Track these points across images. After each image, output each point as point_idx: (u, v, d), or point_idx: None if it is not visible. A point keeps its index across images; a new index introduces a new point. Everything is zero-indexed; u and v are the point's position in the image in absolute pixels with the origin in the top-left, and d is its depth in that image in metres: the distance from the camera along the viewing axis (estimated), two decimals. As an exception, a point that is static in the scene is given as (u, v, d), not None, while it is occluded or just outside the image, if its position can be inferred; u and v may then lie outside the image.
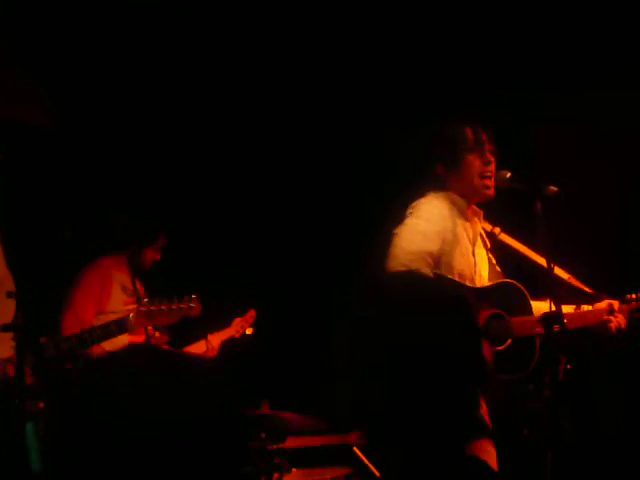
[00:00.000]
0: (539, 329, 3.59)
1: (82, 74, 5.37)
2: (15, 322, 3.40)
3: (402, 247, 3.68)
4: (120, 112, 5.54)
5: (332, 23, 5.31)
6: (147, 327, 4.37)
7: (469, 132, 3.94)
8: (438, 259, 3.76)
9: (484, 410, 3.66)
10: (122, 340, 4.72)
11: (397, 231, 3.76)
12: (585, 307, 4.00)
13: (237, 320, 5.31)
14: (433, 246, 3.74)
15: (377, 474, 5.17)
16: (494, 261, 4.09)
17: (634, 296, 3.99)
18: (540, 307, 3.83)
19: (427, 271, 3.67)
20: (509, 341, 3.74)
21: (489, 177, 3.92)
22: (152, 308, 3.93)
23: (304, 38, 5.46)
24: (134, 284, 4.84)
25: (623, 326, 3.94)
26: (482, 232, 4.11)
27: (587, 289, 4.06)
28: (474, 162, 3.91)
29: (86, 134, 5.47)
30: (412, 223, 3.79)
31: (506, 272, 4.06)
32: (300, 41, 5.47)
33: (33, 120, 5.23)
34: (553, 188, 3.65)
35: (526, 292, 3.80)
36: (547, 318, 3.47)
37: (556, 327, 3.44)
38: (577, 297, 3.99)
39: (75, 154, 5.39)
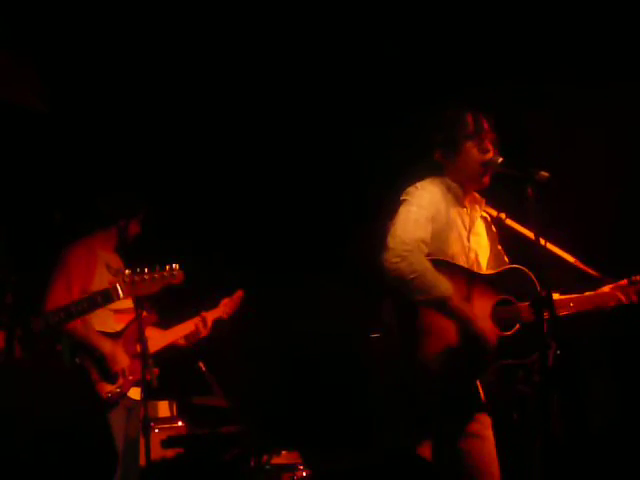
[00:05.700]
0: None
1: (74, 56, 5.36)
2: (6, 301, 3.42)
3: (396, 238, 3.70)
4: (109, 92, 5.54)
5: (336, 12, 5.32)
6: (136, 304, 4.36)
7: (470, 118, 3.87)
8: (431, 244, 3.78)
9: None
10: (109, 320, 4.73)
11: (393, 221, 3.78)
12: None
13: (225, 300, 5.20)
14: (426, 233, 3.76)
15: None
16: (501, 249, 4.08)
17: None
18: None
19: (423, 258, 3.70)
20: (517, 326, 3.76)
21: (485, 165, 3.87)
22: (135, 278, 4.04)
23: (301, 25, 5.46)
24: (123, 261, 4.87)
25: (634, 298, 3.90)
26: (487, 218, 4.09)
27: (593, 272, 4.05)
28: (472, 149, 3.86)
29: (78, 115, 5.47)
30: (405, 211, 3.80)
31: (511, 257, 4.06)
32: (298, 27, 5.47)
33: (25, 102, 5.22)
34: (544, 173, 3.62)
35: (534, 278, 3.76)
36: (537, 303, 3.46)
37: (546, 313, 3.45)
38: (582, 280, 3.99)
39: (66, 135, 5.38)
